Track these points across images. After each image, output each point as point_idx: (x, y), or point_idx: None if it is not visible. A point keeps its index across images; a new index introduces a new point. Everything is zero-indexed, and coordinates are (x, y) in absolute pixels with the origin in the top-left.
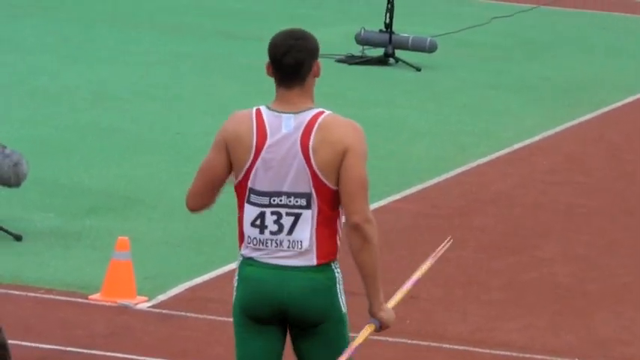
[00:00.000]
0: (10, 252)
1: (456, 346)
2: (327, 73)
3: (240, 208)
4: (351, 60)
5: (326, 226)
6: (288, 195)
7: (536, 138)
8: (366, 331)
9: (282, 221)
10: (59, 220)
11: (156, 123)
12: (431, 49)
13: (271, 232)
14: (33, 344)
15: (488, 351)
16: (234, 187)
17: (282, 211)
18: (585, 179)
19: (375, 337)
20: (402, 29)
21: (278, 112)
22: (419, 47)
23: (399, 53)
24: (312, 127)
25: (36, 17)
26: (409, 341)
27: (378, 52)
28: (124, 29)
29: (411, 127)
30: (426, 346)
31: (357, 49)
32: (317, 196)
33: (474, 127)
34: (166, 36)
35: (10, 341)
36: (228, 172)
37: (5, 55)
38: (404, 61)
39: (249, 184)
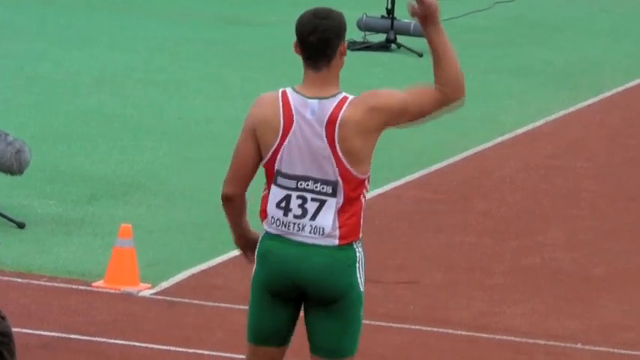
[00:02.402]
0: (12, 239)
1: (459, 332)
2: None
3: (267, 187)
4: (352, 46)
5: (350, 208)
6: (315, 181)
7: (539, 123)
8: None
9: (306, 206)
10: (61, 208)
11: (157, 109)
12: None
13: (295, 216)
14: (36, 331)
15: (491, 336)
16: (263, 165)
17: (308, 196)
18: (587, 164)
19: (379, 323)
20: (404, 15)
21: (304, 96)
22: (421, 33)
23: (400, 39)
24: (338, 114)
25: (37, 4)
26: (413, 326)
27: (380, 37)
28: (126, 15)
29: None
30: (429, 331)
31: (358, 35)
32: (343, 183)
33: (476, 112)
34: (167, 22)
35: (13, 329)
36: (258, 157)
37: (6, 41)
38: (406, 47)
39: (277, 166)
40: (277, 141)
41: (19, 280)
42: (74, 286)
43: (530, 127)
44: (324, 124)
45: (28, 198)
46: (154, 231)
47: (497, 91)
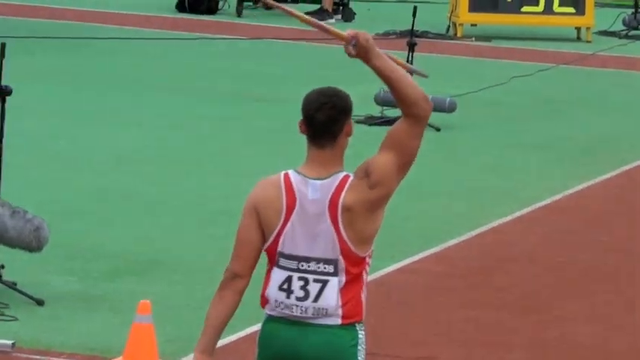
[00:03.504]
0: (31, 316)
1: None
2: None
3: (269, 271)
4: (370, 121)
5: (352, 287)
6: (318, 261)
7: (557, 197)
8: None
9: (308, 287)
10: (80, 284)
11: (175, 185)
12: (450, 109)
13: (297, 298)
14: None
15: None
16: (265, 250)
17: (310, 277)
18: (607, 238)
19: None
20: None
21: (305, 176)
22: (438, 107)
23: None
24: (339, 198)
25: (55, 82)
26: None
27: (398, 112)
28: (142, 93)
29: (430, 186)
30: None
31: (376, 110)
32: (344, 261)
33: (494, 186)
34: (184, 99)
35: None
36: (261, 238)
37: (24, 120)
38: None
39: (279, 249)
40: (280, 222)
41: (39, 357)
42: None
43: (548, 201)
44: (327, 206)
45: (46, 275)
46: (172, 307)
47: (515, 166)
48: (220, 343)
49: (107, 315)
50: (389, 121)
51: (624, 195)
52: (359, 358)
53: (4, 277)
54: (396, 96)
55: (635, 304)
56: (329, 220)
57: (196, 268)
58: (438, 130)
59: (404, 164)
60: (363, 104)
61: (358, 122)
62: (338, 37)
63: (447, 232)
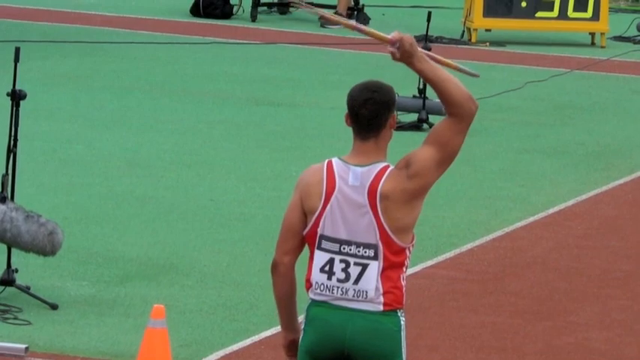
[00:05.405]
0: (45, 320)
1: None
2: None
3: (311, 255)
4: None
5: (392, 274)
6: (358, 245)
7: (571, 202)
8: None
9: (349, 270)
10: (94, 289)
11: (189, 190)
12: None
13: (338, 280)
14: None
15: None
16: (305, 236)
17: (351, 260)
18: (620, 243)
19: None
20: (436, 95)
21: (347, 163)
22: None
23: (432, 119)
24: (377, 186)
25: (70, 86)
26: None
27: (412, 117)
28: (157, 97)
29: (444, 192)
30: None
31: None
32: (384, 247)
33: (508, 191)
34: (199, 103)
35: None
36: (304, 220)
37: (40, 123)
38: None
39: (319, 231)
40: (321, 205)
41: None
42: None
43: (562, 206)
44: (366, 193)
45: (60, 279)
46: (186, 312)
47: (529, 171)
48: (235, 347)
49: (120, 319)
50: (402, 126)
51: (638, 200)
52: (402, 343)
53: (18, 281)
54: (440, 97)
55: None
56: (368, 206)
57: (209, 273)
58: None
59: (444, 160)
60: None
61: None
62: (382, 41)
63: (462, 237)
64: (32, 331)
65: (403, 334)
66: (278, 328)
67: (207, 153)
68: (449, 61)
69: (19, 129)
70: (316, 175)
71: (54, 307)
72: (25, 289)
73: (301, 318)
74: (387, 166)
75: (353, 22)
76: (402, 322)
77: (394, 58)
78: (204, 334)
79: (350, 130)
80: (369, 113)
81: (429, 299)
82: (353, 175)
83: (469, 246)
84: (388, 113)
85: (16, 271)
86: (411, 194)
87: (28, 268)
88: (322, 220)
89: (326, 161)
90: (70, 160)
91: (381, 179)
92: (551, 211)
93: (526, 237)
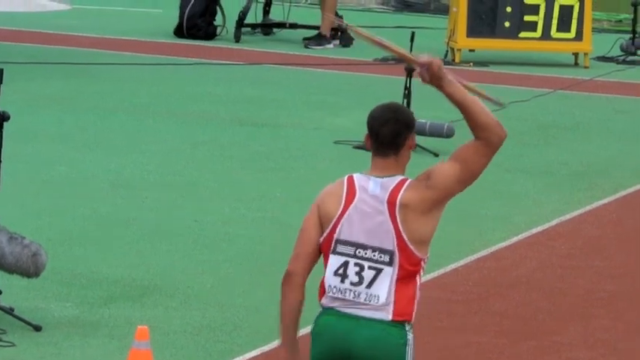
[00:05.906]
0: (29, 342)
1: None
2: (345, 159)
3: (325, 261)
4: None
5: (405, 284)
6: (374, 249)
7: (555, 222)
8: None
9: (363, 273)
10: (78, 310)
11: (173, 211)
12: (448, 134)
13: (351, 283)
14: None
15: None
16: (321, 243)
17: (365, 264)
18: (604, 263)
19: None
20: (420, 114)
21: (367, 175)
22: (436, 133)
23: (416, 139)
24: (397, 196)
25: (54, 108)
26: None
27: None
28: (141, 118)
29: None
30: None
31: None
32: (400, 254)
33: (492, 211)
34: (183, 124)
35: None
36: (320, 231)
37: (23, 145)
38: (421, 147)
39: (336, 236)
40: (339, 211)
41: None
42: None
43: (546, 226)
44: (386, 202)
45: (44, 301)
46: (170, 333)
47: (512, 191)
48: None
49: (104, 341)
50: None
51: (621, 220)
52: (407, 357)
53: (2, 303)
54: (468, 121)
55: (633, 329)
56: (387, 214)
57: (194, 294)
58: (436, 155)
59: (465, 179)
60: (361, 129)
61: (357, 147)
62: (412, 63)
63: (445, 257)
64: (16, 353)
65: (409, 350)
66: (263, 349)
67: (191, 174)
68: (475, 87)
69: (2, 150)
70: (337, 185)
71: (38, 328)
72: (9, 311)
73: (309, 328)
74: (407, 179)
75: (388, 43)
76: (410, 337)
77: (424, 80)
78: (189, 355)
79: (331, 150)
80: (390, 132)
81: (414, 319)
82: (373, 184)
83: (453, 266)
84: (408, 133)
85: (0, 292)
86: (430, 204)
87: (11, 289)
88: (340, 226)
89: (346, 175)
90: (53, 182)
91: (401, 189)
92: (534, 231)
93: (510, 257)
